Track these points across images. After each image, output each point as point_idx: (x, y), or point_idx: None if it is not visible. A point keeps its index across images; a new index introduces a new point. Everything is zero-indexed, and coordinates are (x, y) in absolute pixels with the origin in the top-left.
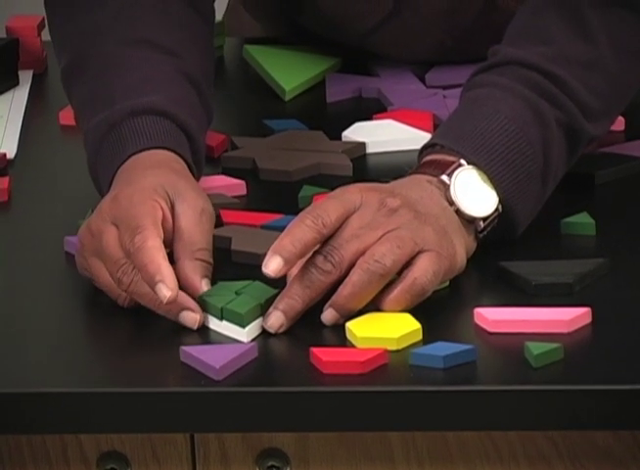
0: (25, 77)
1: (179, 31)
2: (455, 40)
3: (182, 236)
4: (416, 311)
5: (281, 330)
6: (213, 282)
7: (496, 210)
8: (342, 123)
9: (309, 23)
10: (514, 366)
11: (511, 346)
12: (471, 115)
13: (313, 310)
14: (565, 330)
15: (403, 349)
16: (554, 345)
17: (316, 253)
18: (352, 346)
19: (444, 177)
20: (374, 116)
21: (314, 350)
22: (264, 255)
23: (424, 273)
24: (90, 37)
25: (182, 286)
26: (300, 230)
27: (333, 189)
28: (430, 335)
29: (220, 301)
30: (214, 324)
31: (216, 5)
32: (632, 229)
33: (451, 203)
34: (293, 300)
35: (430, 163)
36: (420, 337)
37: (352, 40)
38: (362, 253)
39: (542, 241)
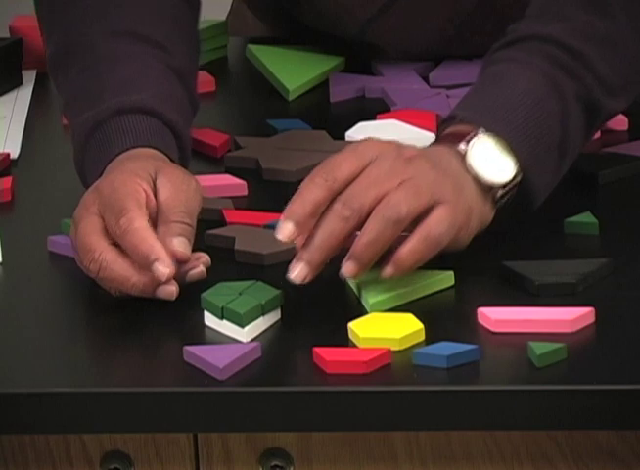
0: (29, 77)
1: (166, 22)
2: (456, 28)
3: (161, 207)
4: (419, 312)
5: (306, 281)
6: (215, 281)
7: (514, 177)
8: (346, 123)
9: (309, 16)
10: (517, 366)
11: (514, 345)
12: (489, 88)
13: (316, 310)
14: (568, 330)
15: (406, 349)
16: (557, 344)
17: (335, 200)
18: (355, 346)
19: (462, 146)
20: (377, 115)
21: (317, 349)
22: (267, 255)
23: (439, 224)
24: (78, 26)
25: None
26: (310, 190)
27: None
28: (433, 335)
29: (221, 300)
30: (215, 323)
31: (220, 5)
32: (635, 229)
33: (469, 170)
34: (314, 250)
35: (448, 135)
36: (423, 337)
37: (353, 30)
38: (380, 200)
39: (545, 241)
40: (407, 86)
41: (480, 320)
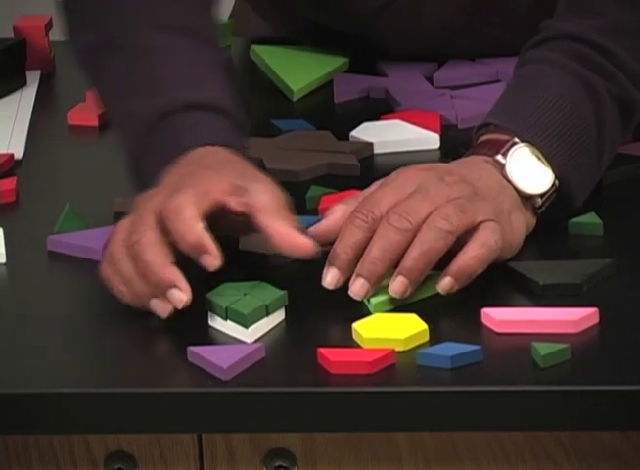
0: (33, 78)
1: (209, 18)
2: (465, 18)
3: (268, 208)
4: (423, 312)
5: (367, 296)
6: (220, 282)
7: (553, 185)
8: (350, 124)
9: (315, 11)
10: (521, 367)
11: (518, 346)
12: (522, 92)
13: (321, 311)
14: (572, 330)
15: (410, 349)
16: (561, 345)
17: (390, 213)
18: (359, 346)
19: (499, 157)
20: (382, 116)
21: (321, 350)
22: (272, 255)
23: (493, 232)
24: (124, 17)
25: (286, 244)
26: (351, 233)
27: (341, 190)
28: (437, 335)
29: (225, 301)
30: (219, 324)
31: (222, 5)
32: None
33: (508, 181)
34: (374, 264)
35: (485, 143)
36: (427, 337)
37: (361, 21)
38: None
39: (550, 241)
40: (412, 87)
41: (485, 321)
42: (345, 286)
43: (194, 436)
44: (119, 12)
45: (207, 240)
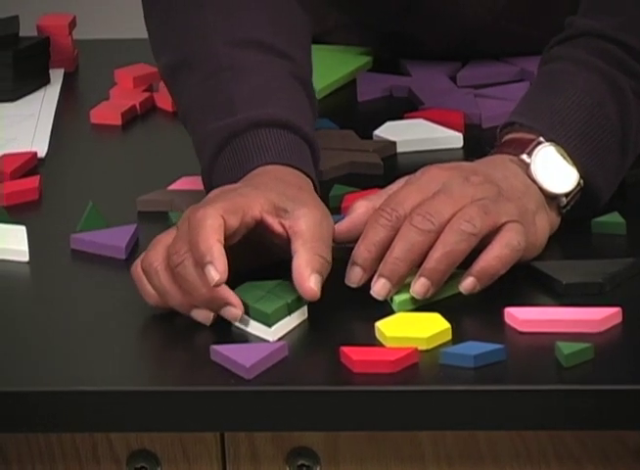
0: (56, 76)
1: (287, 29)
2: (494, 17)
3: (303, 235)
4: (446, 311)
5: (388, 296)
6: (244, 280)
7: (577, 185)
8: (373, 122)
9: (352, 3)
10: (544, 366)
11: (541, 345)
12: (547, 90)
13: (344, 309)
14: (595, 330)
15: (433, 348)
16: (584, 344)
17: (414, 213)
18: (382, 345)
19: (524, 156)
20: (405, 115)
21: (344, 349)
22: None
23: (507, 243)
24: (199, 35)
25: (293, 277)
26: (375, 232)
27: (364, 188)
28: (460, 334)
29: (248, 299)
30: (242, 323)
31: None
32: None
33: (533, 181)
34: (395, 265)
35: (510, 142)
36: (450, 336)
37: (389, 18)
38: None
39: (573, 240)
40: (435, 86)
41: (508, 320)
42: (368, 285)
43: (216, 434)
44: (197, 30)
45: (217, 253)
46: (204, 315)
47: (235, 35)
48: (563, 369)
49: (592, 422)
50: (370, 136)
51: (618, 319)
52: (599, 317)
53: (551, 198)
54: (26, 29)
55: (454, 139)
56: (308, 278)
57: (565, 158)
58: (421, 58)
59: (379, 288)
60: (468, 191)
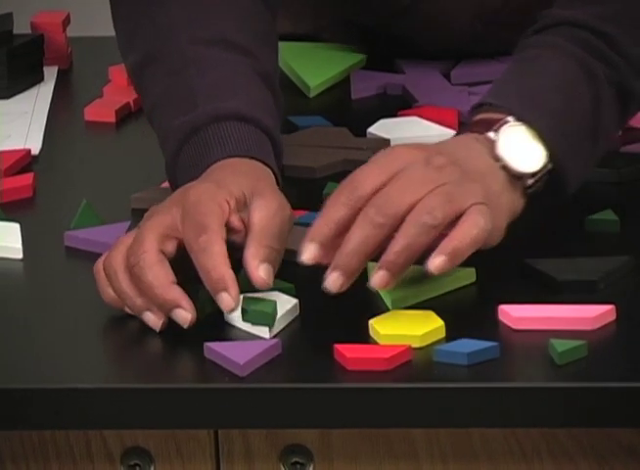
0: (50, 73)
1: (252, 27)
2: (484, 23)
3: (254, 227)
4: (439, 309)
5: (342, 289)
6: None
7: (545, 166)
8: (367, 120)
9: (342, 5)
10: (538, 363)
11: (535, 343)
12: (520, 73)
13: (337, 307)
14: (589, 327)
15: (427, 345)
16: (578, 342)
17: (368, 205)
18: (376, 343)
19: (491, 134)
20: (399, 112)
21: (338, 346)
22: (287, 251)
23: (474, 224)
24: (165, 32)
25: (247, 272)
26: (334, 209)
27: None
28: (453, 332)
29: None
30: (236, 320)
31: None
32: None
33: (498, 159)
34: (348, 257)
35: (478, 121)
36: (443, 334)
37: (384, 20)
38: (413, 206)
39: (567, 238)
40: (429, 83)
41: (501, 317)
42: (362, 282)
43: (210, 432)
44: (162, 29)
45: (231, 280)
46: (154, 320)
47: (200, 33)
48: (556, 367)
49: (586, 419)
50: (364, 134)
51: (612, 317)
52: (593, 315)
53: (516, 177)
54: (20, 27)
55: (448, 136)
56: (257, 268)
57: (533, 137)
58: (415, 56)
59: (332, 280)
60: (430, 175)
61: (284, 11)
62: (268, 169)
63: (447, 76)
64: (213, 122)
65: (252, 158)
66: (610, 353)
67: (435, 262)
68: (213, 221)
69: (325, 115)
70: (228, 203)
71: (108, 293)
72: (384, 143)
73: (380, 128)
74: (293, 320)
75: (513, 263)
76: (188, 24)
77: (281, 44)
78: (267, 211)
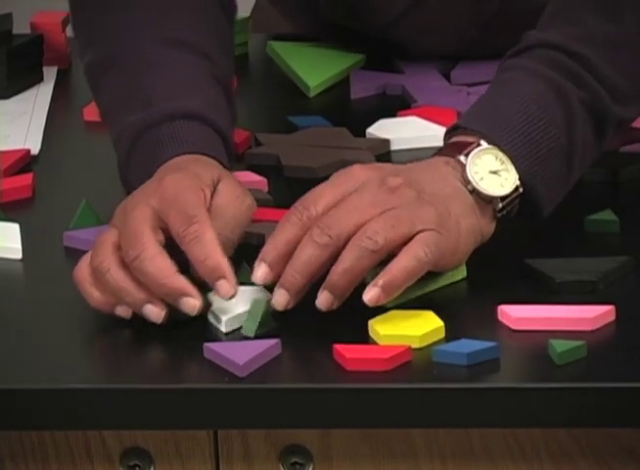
0: (50, 73)
1: (211, 32)
2: (479, 30)
3: (214, 212)
4: (439, 309)
5: (288, 307)
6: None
7: (515, 189)
8: (367, 120)
9: (335, 12)
10: (537, 364)
11: (534, 343)
12: (493, 96)
13: (336, 309)
14: (589, 328)
15: (426, 346)
16: (578, 342)
17: (314, 226)
18: (375, 343)
19: (461, 157)
20: (398, 112)
21: (337, 346)
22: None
23: (413, 255)
24: (124, 33)
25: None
26: (284, 230)
27: None
28: (453, 332)
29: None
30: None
31: (243, 0)
32: None
33: (467, 182)
34: (293, 278)
35: (451, 145)
36: (443, 334)
37: (377, 28)
38: (359, 227)
39: (566, 238)
40: (428, 83)
41: (501, 318)
42: (362, 283)
43: (210, 432)
44: (119, 30)
45: (227, 268)
46: (156, 311)
47: (161, 34)
48: (556, 367)
49: (585, 420)
50: (363, 134)
51: (612, 317)
52: (592, 315)
53: (486, 201)
54: (20, 27)
55: None
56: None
57: (504, 161)
58: (414, 58)
59: (278, 298)
60: (381, 197)
61: (285, 12)
62: (220, 165)
63: (447, 77)
64: (167, 121)
65: (206, 155)
66: (609, 354)
67: (369, 295)
68: (201, 210)
69: (324, 115)
70: (204, 191)
71: (95, 296)
72: (383, 143)
73: (379, 128)
74: (292, 320)
75: (512, 264)
76: (148, 26)
77: (281, 44)
78: (226, 197)
